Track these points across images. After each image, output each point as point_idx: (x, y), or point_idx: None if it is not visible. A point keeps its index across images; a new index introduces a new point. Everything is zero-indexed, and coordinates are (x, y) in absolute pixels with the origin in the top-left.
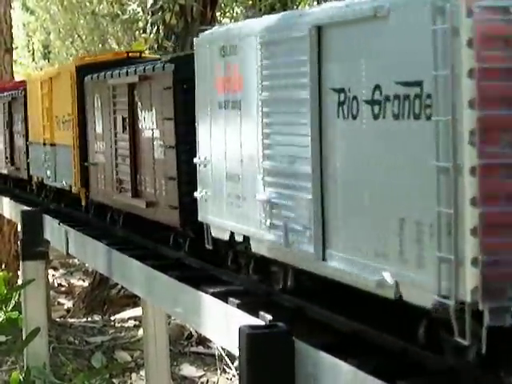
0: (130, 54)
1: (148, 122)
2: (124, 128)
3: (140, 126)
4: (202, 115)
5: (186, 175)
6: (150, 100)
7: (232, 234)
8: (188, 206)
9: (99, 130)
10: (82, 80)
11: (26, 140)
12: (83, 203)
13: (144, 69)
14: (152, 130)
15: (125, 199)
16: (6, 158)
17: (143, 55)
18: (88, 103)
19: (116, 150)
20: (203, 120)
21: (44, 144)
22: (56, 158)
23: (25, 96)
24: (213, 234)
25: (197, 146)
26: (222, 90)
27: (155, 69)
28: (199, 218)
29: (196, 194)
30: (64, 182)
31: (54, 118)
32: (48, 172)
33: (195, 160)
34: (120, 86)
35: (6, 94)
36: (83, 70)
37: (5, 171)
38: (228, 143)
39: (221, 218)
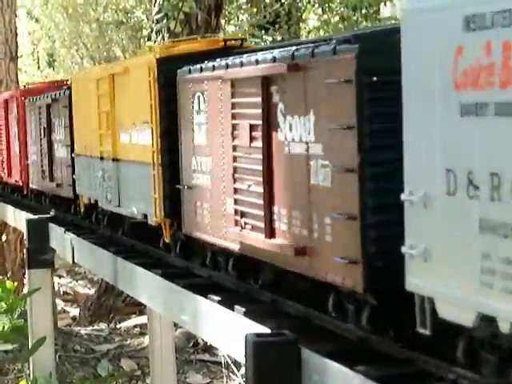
0: (227, 43)
1: (298, 132)
2: (252, 139)
3: (282, 137)
4: (415, 124)
5: (374, 213)
6: (303, 99)
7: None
8: (376, 260)
9: (201, 141)
10: (169, 75)
11: (71, 151)
12: (167, 238)
13: (293, 54)
14: (306, 143)
15: (250, 239)
16: (43, 171)
17: (245, 44)
18: (182, 106)
19: (235, 169)
20: (418, 132)
21: (101, 158)
22: (120, 176)
23: (69, 98)
24: (440, 313)
25: (403, 172)
26: (471, 84)
27: (319, 53)
28: (408, 286)
29: (403, 249)
30: (134, 209)
31: (117, 126)
32: (107, 194)
33: (403, 196)
34: (247, 81)
35: (43, 95)
36: (167, 63)
37: (42, 187)
38: (482, 171)
39: (462, 291)
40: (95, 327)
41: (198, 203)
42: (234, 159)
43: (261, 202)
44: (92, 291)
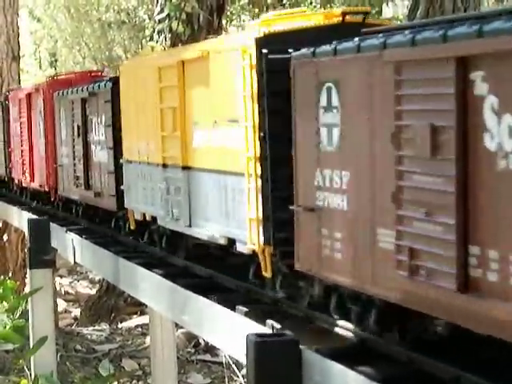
0: (346, 18)
1: None
2: (436, 148)
3: (492, 146)
4: None
5: None
6: None
7: None
8: None
9: (331, 148)
10: (273, 59)
11: (115, 156)
12: (266, 272)
13: None
14: None
15: (425, 290)
16: (77, 177)
17: (367, 21)
18: (300, 100)
19: (399, 189)
20: None
21: (163, 166)
22: (193, 189)
23: (112, 91)
24: None
25: None
26: None
27: None
28: None
29: None
30: (215, 232)
31: (189, 126)
32: (171, 210)
33: None
34: (427, 65)
35: (76, 88)
36: (270, 43)
37: (74, 196)
38: None
39: None
40: (96, 327)
41: (324, 231)
42: (399, 175)
43: (450, 237)
44: (93, 291)
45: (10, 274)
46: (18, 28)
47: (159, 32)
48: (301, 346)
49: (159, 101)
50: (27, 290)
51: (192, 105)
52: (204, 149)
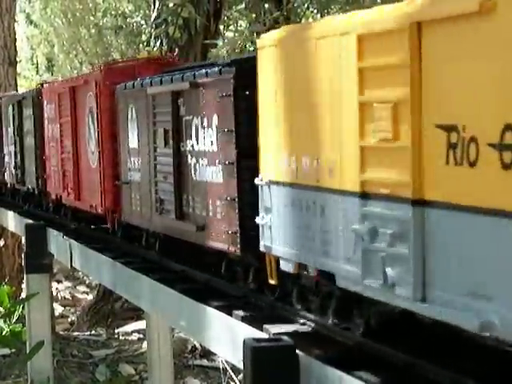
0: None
1: None
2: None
3: None
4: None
5: None
6: None
7: None
8: None
9: None
10: None
11: (239, 175)
12: None
13: None
14: None
15: None
16: (160, 201)
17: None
18: None
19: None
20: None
21: (363, 196)
22: (434, 240)
23: (237, 80)
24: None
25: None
26: None
27: None
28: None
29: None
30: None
31: (430, 131)
32: (385, 270)
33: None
34: None
35: (161, 77)
36: None
37: (152, 224)
38: None
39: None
40: (93, 332)
41: None
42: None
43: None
44: (90, 296)
45: (7, 279)
46: (15, 33)
47: (156, 37)
48: (298, 351)
49: (357, 90)
50: (24, 294)
51: (444, 96)
52: (468, 172)
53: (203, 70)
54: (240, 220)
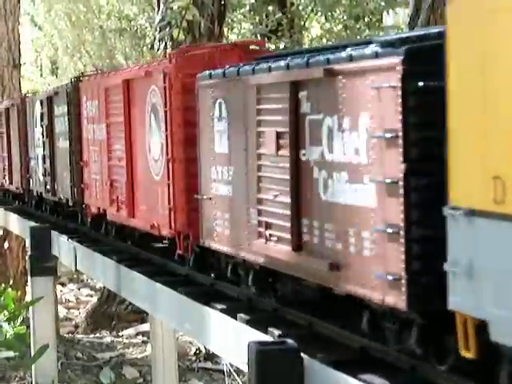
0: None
1: None
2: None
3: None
4: None
5: None
6: None
7: None
8: None
9: None
10: None
11: (406, 197)
12: None
13: None
14: None
15: None
16: (265, 225)
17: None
18: None
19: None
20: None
21: None
22: None
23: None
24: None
25: None
26: None
27: None
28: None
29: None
30: None
31: None
32: None
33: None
34: None
35: (310, 58)
36: None
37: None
38: None
39: None
40: (97, 335)
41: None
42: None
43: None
44: (94, 299)
45: (11, 282)
46: (19, 36)
47: (160, 40)
48: (302, 354)
49: None
50: (28, 297)
51: None
52: None
53: (344, 53)
54: (407, 261)
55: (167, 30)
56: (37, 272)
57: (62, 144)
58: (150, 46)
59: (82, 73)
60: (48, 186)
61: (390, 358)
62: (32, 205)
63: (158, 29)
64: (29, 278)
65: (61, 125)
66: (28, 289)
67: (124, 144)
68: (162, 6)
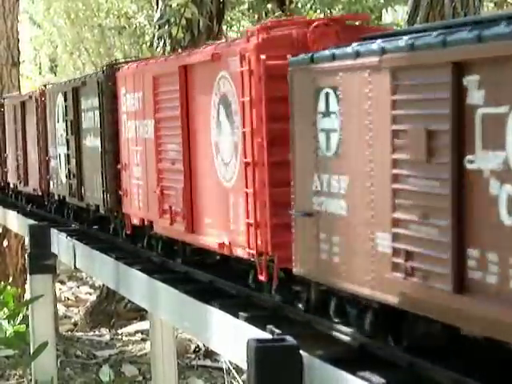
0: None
1: None
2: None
3: None
4: None
5: None
6: None
7: None
8: None
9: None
10: None
11: None
12: None
13: None
14: None
15: None
16: (405, 255)
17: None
18: None
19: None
20: None
21: None
22: None
23: None
24: None
25: None
26: None
27: None
28: None
29: None
30: None
31: None
32: None
33: None
34: None
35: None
36: None
37: None
38: None
39: None
40: (97, 332)
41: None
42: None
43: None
44: (93, 296)
45: (10, 280)
46: (18, 34)
47: (159, 38)
48: (301, 352)
49: None
50: (27, 295)
51: None
52: None
53: None
54: None
55: (166, 27)
56: (36, 270)
57: (92, 142)
58: (149, 44)
59: (116, 60)
60: (73, 190)
61: (389, 355)
62: (52, 209)
63: (156, 27)
64: (28, 275)
65: (90, 120)
66: (27, 287)
67: (181, 143)
68: (160, 3)
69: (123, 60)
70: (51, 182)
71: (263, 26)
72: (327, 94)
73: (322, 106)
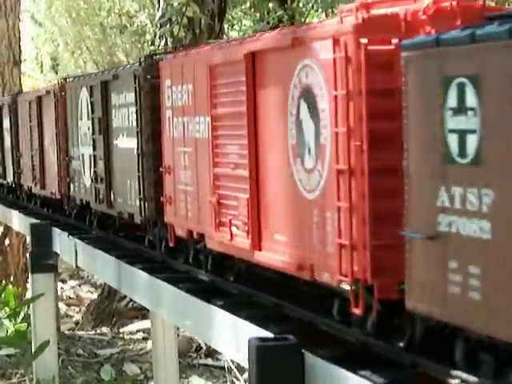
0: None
1: None
2: None
3: None
4: None
5: None
6: None
7: None
8: None
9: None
10: None
11: None
12: None
13: None
14: None
15: None
16: None
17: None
18: None
19: None
20: None
21: None
22: None
23: None
24: None
25: None
26: None
27: None
28: None
29: None
30: None
31: None
32: None
33: None
34: None
35: None
36: None
37: None
38: None
39: None
40: (98, 331)
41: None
42: None
43: None
44: (95, 295)
45: (12, 279)
46: (20, 32)
47: (160, 36)
48: (303, 350)
49: None
50: (29, 294)
51: None
52: None
53: None
54: None
55: (168, 26)
56: (37, 269)
57: (125, 143)
58: (150, 43)
59: (155, 50)
60: (100, 195)
61: (391, 354)
62: (72, 214)
63: (158, 25)
64: (29, 274)
65: (123, 118)
66: (29, 286)
67: (246, 145)
68: (162, 2)
69: (163, 50)
70: (72, 186)
71: (362, 3)
72: (461, 85)
73: (452, 101)
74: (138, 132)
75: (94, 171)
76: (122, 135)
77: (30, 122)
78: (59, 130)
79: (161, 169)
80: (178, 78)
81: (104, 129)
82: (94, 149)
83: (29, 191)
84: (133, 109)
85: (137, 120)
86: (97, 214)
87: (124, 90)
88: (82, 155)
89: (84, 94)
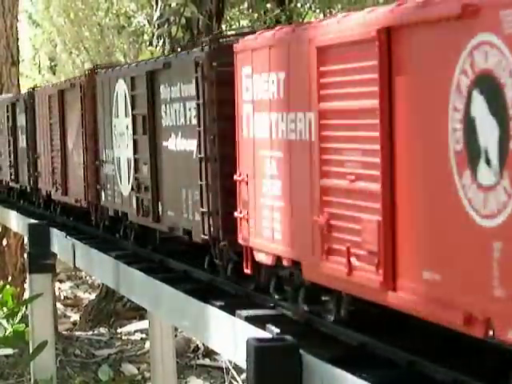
0: None
1: None
2: None
3: None
4: None
5: None
6: None
7: None
8: None
9: None
10: None
11: None
12: None
13: None
14: None
15: None
16: None
17: None
18: None
19: None
20: None
21: None
22: None
23: None
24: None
25: None
26: None
27: None
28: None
29: None
30: None
31: None
32: None
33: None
34: None
35: None
36: None
37: None
38: None
39: None
40: (96, 332)
41: None
42: None
43: None
44: (93, 296)
45: (10, 279)
46: (18, 33)
47: (158, 37)
48: (301, 351)
49: None
50: (27, 294)
51: None
52: None
53: None
54: None
55: (166, 27)
56: (35, 269)
57: (180, 145)
58: (148, 43)
59: (221, 32)
60: (144, 207)
61: (388, 354)
62: (101, 226)
63: (156, 26)
64: (27, 275)
65: (176, 115)
66: (26, 286)
67: (378, 151)
68: (160, 3)
69: (233, 33)
70: (103, 194)
71: None
72: None
73: None
74: (199, 132)
75: (135, 178)
76: (176, 135)
77: (51, 119)
78: (86, 129)
79: (235, 177)
80: (264, 64)
81: (150, 128)
82: (136, 152)
83: (47, 197)
84: (191, 104)
85: (198, 117)
86: (133, 227)
87: (179, 81)
88: (118, 159)
89: (121, 86)
